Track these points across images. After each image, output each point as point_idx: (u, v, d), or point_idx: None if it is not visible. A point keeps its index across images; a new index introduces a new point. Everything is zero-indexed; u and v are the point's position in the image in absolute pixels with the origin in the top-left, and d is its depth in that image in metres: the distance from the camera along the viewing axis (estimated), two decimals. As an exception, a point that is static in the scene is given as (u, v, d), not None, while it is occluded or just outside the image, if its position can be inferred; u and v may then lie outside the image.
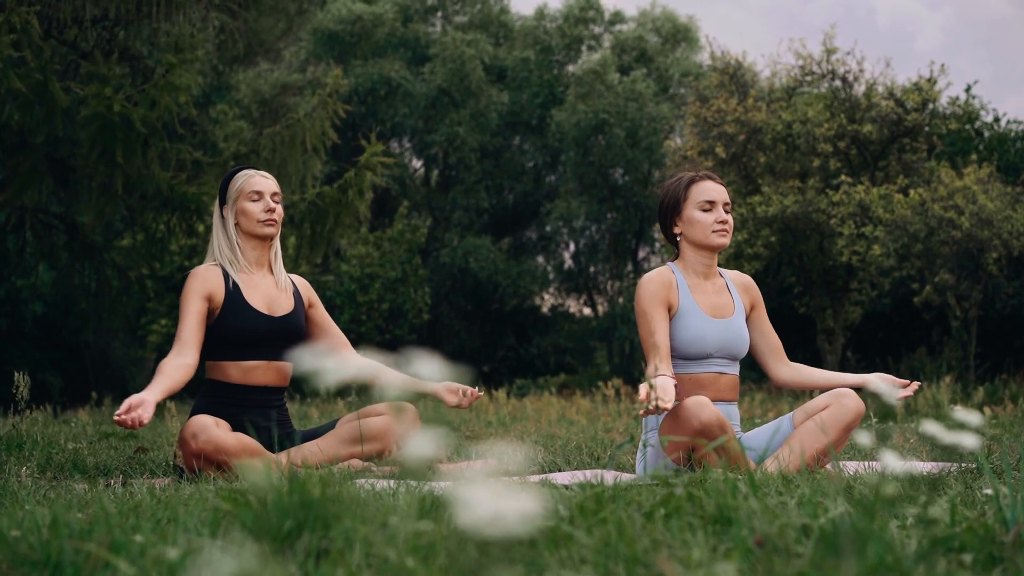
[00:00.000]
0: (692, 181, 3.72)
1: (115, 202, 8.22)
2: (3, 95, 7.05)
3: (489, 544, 1.11)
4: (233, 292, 3.96)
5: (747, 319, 3.81)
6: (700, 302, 3.64)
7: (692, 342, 3.56)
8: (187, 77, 7.65)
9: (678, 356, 3.59)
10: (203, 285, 3.94)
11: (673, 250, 3.79)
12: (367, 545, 1.61)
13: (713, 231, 3.67)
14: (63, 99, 7.25)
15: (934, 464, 3.59)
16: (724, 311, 3.68)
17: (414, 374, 1.28)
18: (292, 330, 4.03)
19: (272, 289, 4.06)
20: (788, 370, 3.84)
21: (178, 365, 3.73)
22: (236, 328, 3.90)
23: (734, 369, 3.68)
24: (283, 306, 4.04)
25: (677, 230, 3.73)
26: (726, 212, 3.70)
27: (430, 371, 1.14)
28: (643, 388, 3.13)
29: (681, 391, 3.57)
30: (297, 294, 4.14)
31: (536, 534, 1.61)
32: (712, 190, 3.70)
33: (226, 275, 4.00)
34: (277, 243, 4.15)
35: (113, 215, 8.56)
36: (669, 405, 3.14)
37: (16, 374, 4.56)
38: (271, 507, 1.66)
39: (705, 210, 3.67)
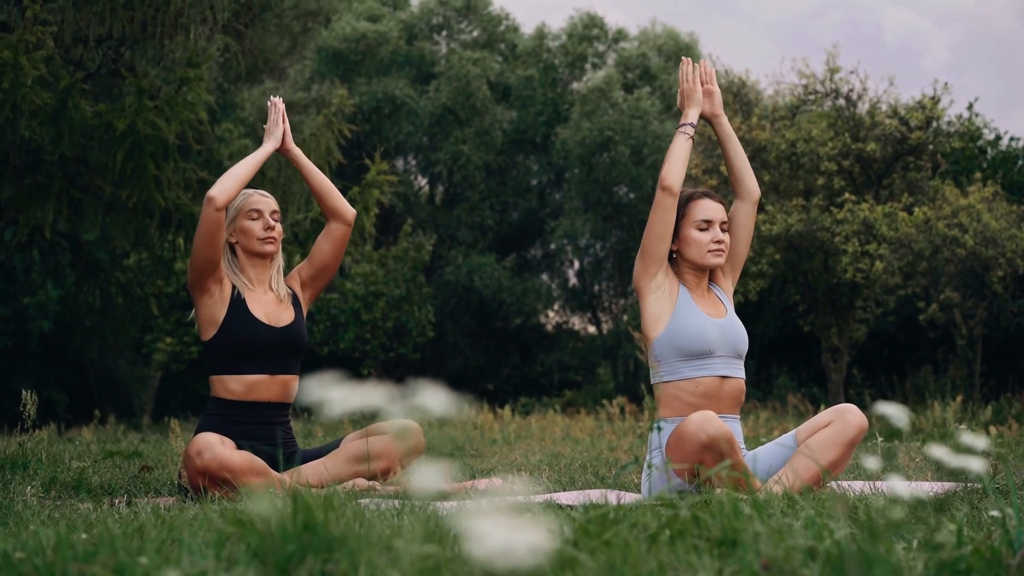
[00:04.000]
0: (690, 199, 3.72)
1: (132, 221, 8.24)
2: (27, 113, 7.06)
3: (496, 572, 1.10)
4: (236, 300, 3.98)
5: (727, 261, 3.83)
6: (697, 303, 3.66)
7: (694, 337, 3.55)
8: (201, 91, 7.69)
9: (681, 356, 3.57)
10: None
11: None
12: (372, 568, 1.61)
13: (709, 250, 3.67)
14: (87, 114, 7.28)
15: (939, 484, 3.58)
16: (719, 315, 3.69)
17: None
18: (293, 341, 4.03)
19: (273, 303, 4.07)
20: (739, 190, 3.85)
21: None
22: (238, 338, 3.91)
23: (739, 371, 3.66)
24: (284, 318, 4.06)
25: (674, 247, 3.73)
26: (723, 231, 3.70)
27: (434, 401, 1.15)
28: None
29: (685, 403, 3.56)
30: (296, 303, 4.15)
31: (541, 558, 1.61)
32: (709, 209, 3.70)
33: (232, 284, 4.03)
34: (279, 260, 4.16)
35: (130, 231, 8.55)
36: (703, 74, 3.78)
37: (24, 392, 4.57)
38: (275, 530, 1.66)
39: (702, 229, 3.68)
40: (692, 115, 3.73)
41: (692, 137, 3.69)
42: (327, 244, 4.22)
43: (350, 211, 4.25)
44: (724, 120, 3.83)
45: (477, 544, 0.97)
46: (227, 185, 3.92)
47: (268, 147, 4.13)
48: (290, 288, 4.19)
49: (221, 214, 3.88)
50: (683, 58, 3.78)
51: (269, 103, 4.23)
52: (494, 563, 0.96)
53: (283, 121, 4.22)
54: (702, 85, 3.83)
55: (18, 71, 6.79)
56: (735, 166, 3.82)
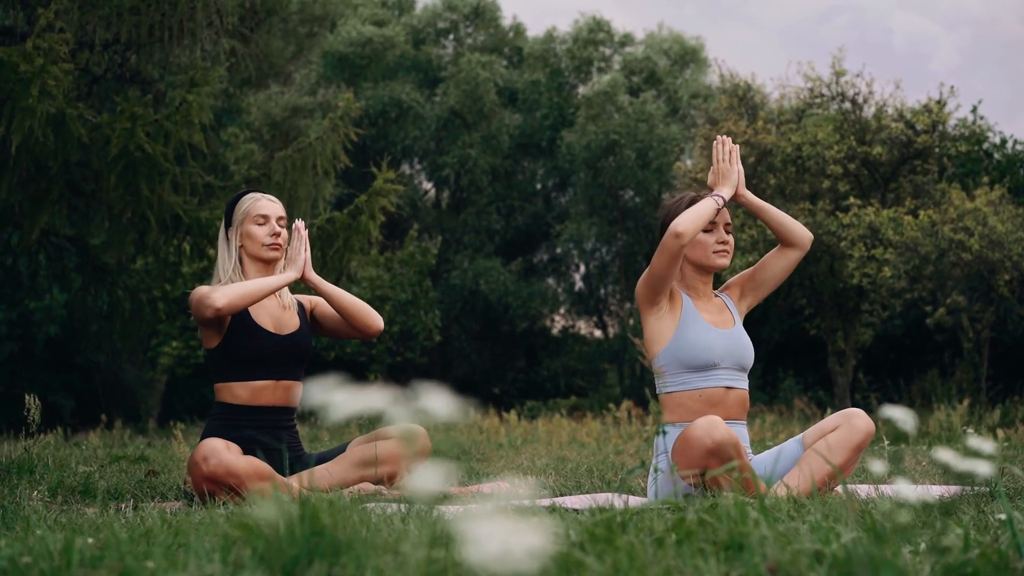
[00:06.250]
0: (693, 201, 3.70)
1: (132, 230, 8.25)
2: (45, 121, 7.06)
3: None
4: (241, 310, 3.97)
5: (750, 289, 3.81)
6: (702, 313, 3.64)
7: (700, 351, 3.54)
8: (202, 112, 7.69)
9: (685, 369, 3.57)
10: None
11: None
12: (378, 572, 1.61)
13: (714, 251, 3.66)
14: (84, 133, 7.28)
15: (946, 488, 3.57)
16: (725, 324, 3.68)
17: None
18: (299, 348, 4.03)
19: (277, 309, 4.07)
20: (789, 244, 3.81)
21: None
22: (244, 347, 3.91)
23: (742, 383, 3.65)
24: (289, 325, 4.05)
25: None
26: (727, 232, 3.69)
27: (440, 405, 1.14)
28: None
29: (690, 409, 3.56)
30: (302, 312, 4.15)
31: (546, 561, 1.60)
32: None
33: None
34: (282, 265, 4.16)
35: (128, 241, 8.56)
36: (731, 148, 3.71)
37: (27, 397, 4.56)
38: (282, 534, 1.66)
39: (707, 230, 3.66)
40: (725, 193, 3.64)
41: (720, 208, 3.61)
42: (338, 329, 4.22)
43: (376, 328, 4.14)
44: (749, 195, 3.74)
45: (475, 548, 0.97)
46: (236, 300, 3.80)
47: (289, 275, 4.00)
48: (298, 302, 4.20)
49: (220, 319, 3.85)
50: (719, 137, 3.71)
51: (294, 228, 4.08)
52: (494, 567, 0.95)
53: (305, 250, 4.08)
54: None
55: (46, 78, 6.80)
56: (778, 228, 3.75)
